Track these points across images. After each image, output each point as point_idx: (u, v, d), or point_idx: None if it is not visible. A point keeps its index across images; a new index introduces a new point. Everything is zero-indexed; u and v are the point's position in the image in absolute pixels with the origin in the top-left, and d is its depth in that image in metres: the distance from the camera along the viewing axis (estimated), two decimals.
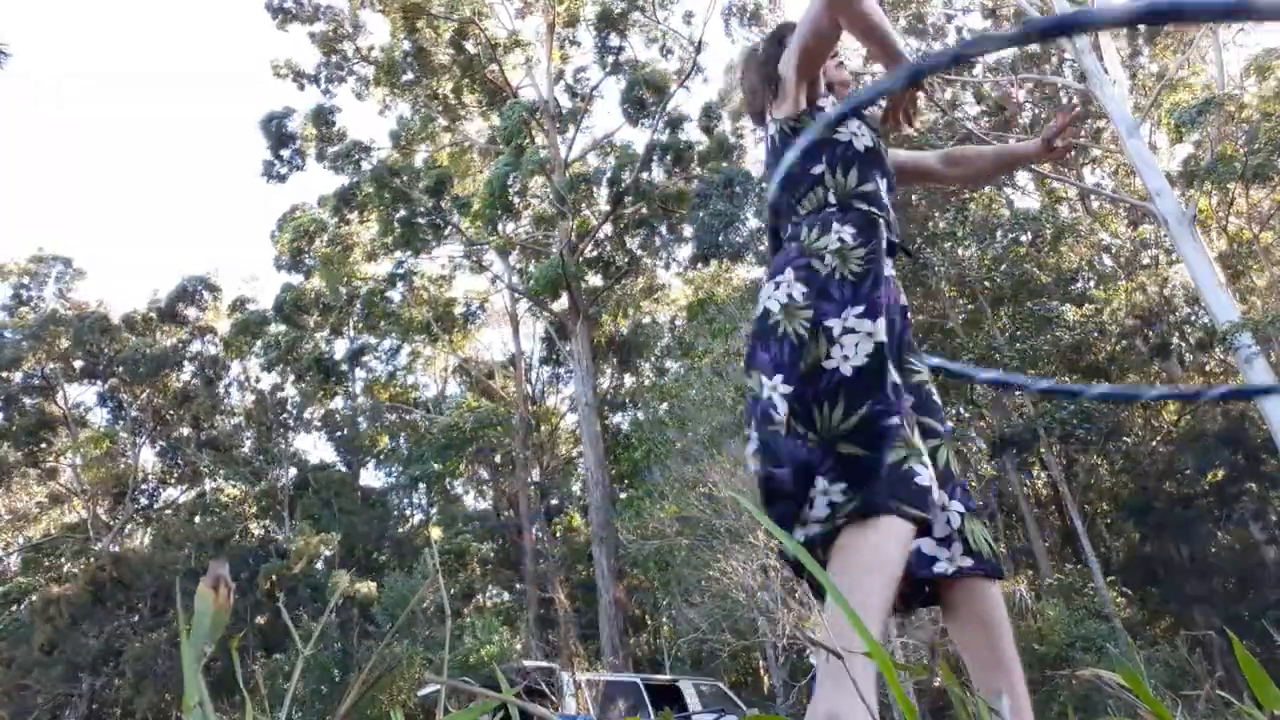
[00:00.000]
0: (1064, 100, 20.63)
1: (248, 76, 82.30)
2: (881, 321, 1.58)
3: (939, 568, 1.58)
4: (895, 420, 1.48)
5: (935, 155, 2.21)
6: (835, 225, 1.72)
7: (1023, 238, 17.91)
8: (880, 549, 1.38)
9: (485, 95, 21.69)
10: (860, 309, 1.60)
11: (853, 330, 1.58)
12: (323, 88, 21.26)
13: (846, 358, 1.55)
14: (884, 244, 1.72)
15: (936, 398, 1.72)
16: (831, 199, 1.77)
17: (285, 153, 21.10)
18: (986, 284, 18.13)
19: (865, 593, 1.33)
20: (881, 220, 1.74)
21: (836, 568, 1.39)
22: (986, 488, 18.00)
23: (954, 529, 1.60)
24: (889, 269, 1.73)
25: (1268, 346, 12.72)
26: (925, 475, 1.45)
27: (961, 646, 1.62)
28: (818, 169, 1.81)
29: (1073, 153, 1.84)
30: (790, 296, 1.65)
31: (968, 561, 1.58)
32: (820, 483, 1.48)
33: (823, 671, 1.31)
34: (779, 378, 1.59)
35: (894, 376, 1.54)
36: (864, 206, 1.75)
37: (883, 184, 1.81)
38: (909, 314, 1.80)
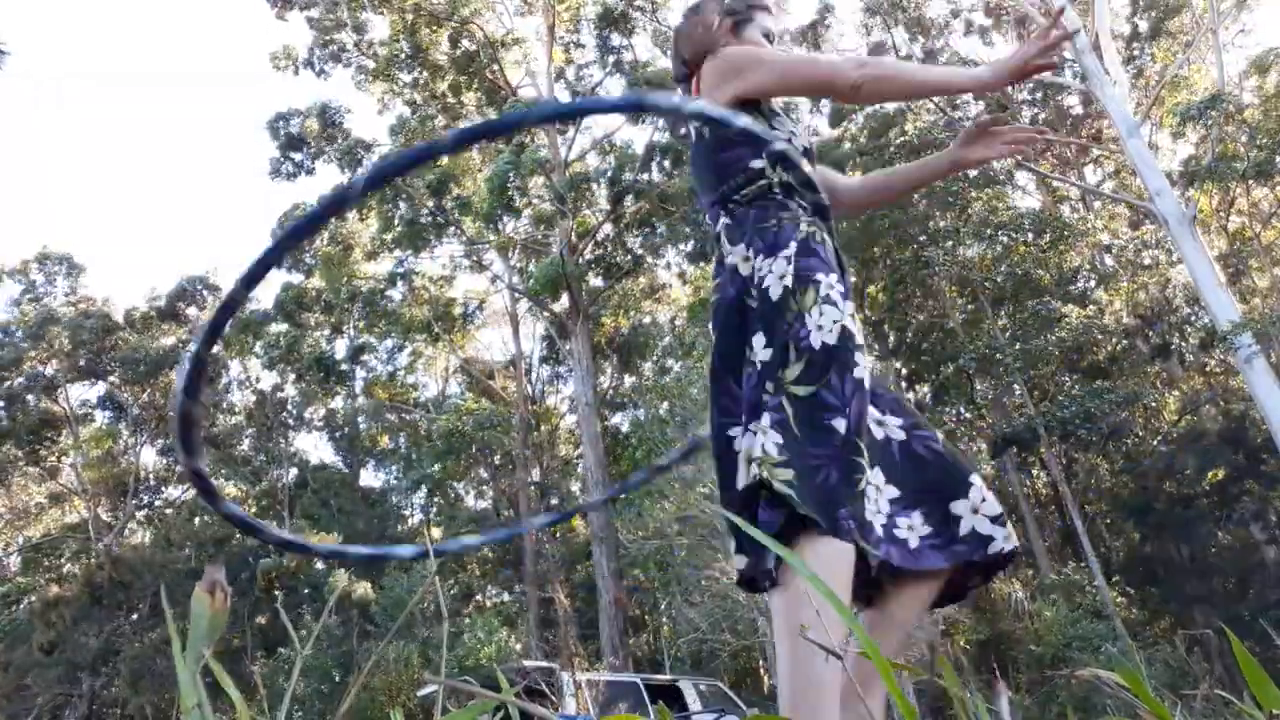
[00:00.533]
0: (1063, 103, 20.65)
1: (248, 75, 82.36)
2: (850, 304, 1.55)
3: (994, 547, 1.53)
4: (840, 424, 1.41)
5: (852, 181, 2.04)
6: (785, 200, 1.69)
7: (1025, 237, 17.91)
8: (823, 568, 1.31)
9: (485, 94, 21.69)
10: (842, 287, 1.57)
11: (834, 302, 1.52)
12: (318, 70, 21.25)
13: (820, 327, 1.49)
14: (825, 229, 1.69)
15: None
16: (771, 171, 1.72)
17: (297, 156, 21.27)
18: (987, 284, 18.14)
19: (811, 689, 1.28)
20: (817, 207, 1.71)
21: (780, 621, 1.36)
22: (989, 487, 17.95)
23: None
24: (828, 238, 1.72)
25: (1268, 347, 12.71)
26: (869, 506, 1.41)
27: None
28: (750, 155, 1.72)
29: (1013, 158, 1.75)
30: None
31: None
32: (765, 419, 1.43)
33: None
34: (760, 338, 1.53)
35: (858, 370, 1.47)
36: (809, 197, 1.73)
37: (811, 171, 1.76)
38: None
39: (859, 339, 1.52)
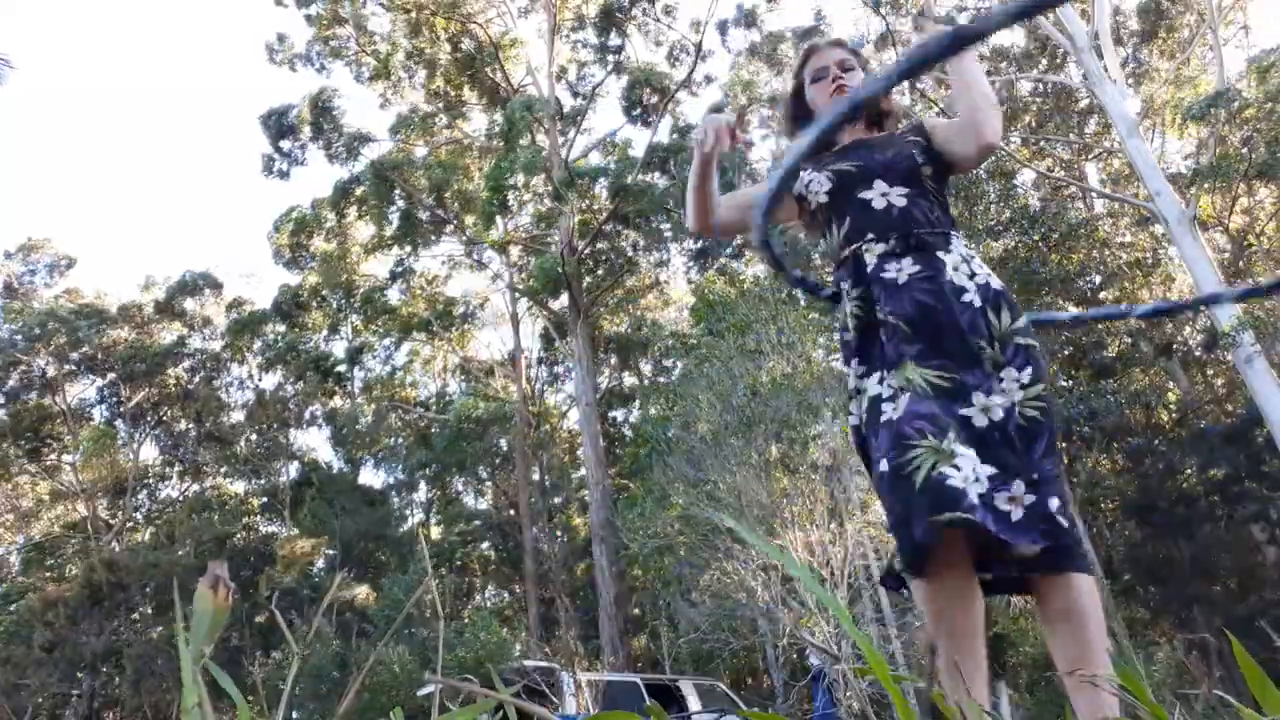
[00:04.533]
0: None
1: (245, 76, 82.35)
2: (877, 374, 1.63)
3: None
4: (883, 466, 1.46)
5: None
6: (841, 286, 1.78)
7: (1031, 237, 17.90)
8: (927, 605, 1.47)
9: (485, 93, 21.69)
10: (864, 368, 1.68)
11: (865, 392, 1.65)
12: (317, 66, 21.16)
13: (852, 412, 1.67)
14: (882, 258, 1.70)
15: (1031, 350, 1.60)
16: (832, 265, 1.85)
17: (286, 145, 20.84)
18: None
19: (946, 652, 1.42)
20: (868, 245, 1.72)
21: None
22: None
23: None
24: (908, 268, 1.67)
25: (1269, 347, 12.71)
26: (956, 475, 1.39)
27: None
28: (820, 246, 1.91)
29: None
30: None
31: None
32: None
33: None
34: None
35: (890, 414, 1.53)
36: (847, 251, 1.76)
37: (868, 197, 1.75)
38: (985, 290, 1.67)
39: (887, 391, 1.58)
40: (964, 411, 1.52)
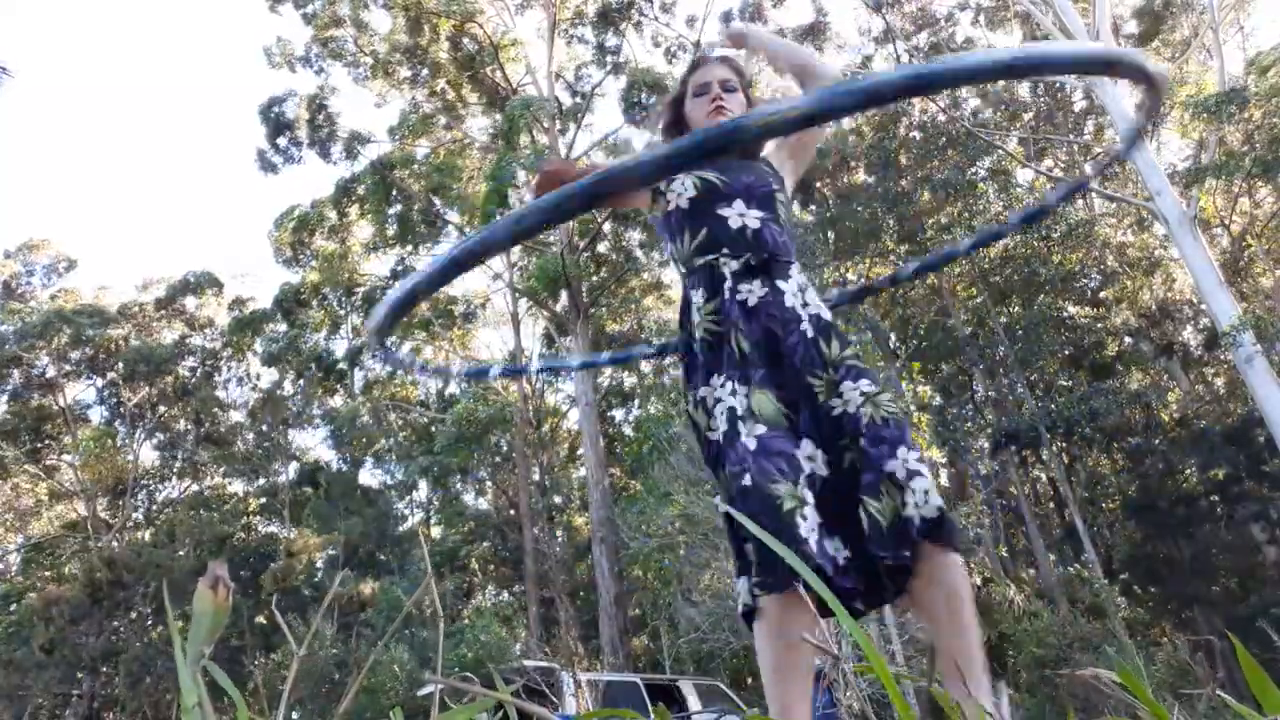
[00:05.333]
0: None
1: (244, 77, 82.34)
2: (730, 385, 1.65)
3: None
4: (747, 481, 1.49)
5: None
6: (690, 294, 1.80)
7: (1033, 238, 17.91)
8: (769, 636, 1.47)
9: (484, 93, 21.68)
10: (720, 378, 1.68)
11: (714, 397, 1.67)
12: (316, 68, 21.14)
13: (713, 429, 1.65)
14: (735, 277, 1.74)
15: (836, 410, 1.64)
16: (681, 269, 1.87)
17: (281, 140, 20.76)
18: (996, 278, 18.14)
19: (777, 688, 1.45)
20: (724, 259, 1.76)
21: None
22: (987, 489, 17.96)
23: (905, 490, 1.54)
24: (758, 291, 1.73)
25: (1270, 347, 12.70)
26: (803, 525, 1.45)
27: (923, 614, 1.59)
28: (668, 248, 1.93)
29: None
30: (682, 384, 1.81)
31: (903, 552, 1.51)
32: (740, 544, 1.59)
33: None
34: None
35: (746, 441, 1.56)
36: (701, 261, 1.79)
37: (725, 214, 1.80)
38: (817, 321, 1.74)
39: (741, 407, 1.61)
40: (797, 454, 1.58)
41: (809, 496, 1.51)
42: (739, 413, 1.60)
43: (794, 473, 1.51)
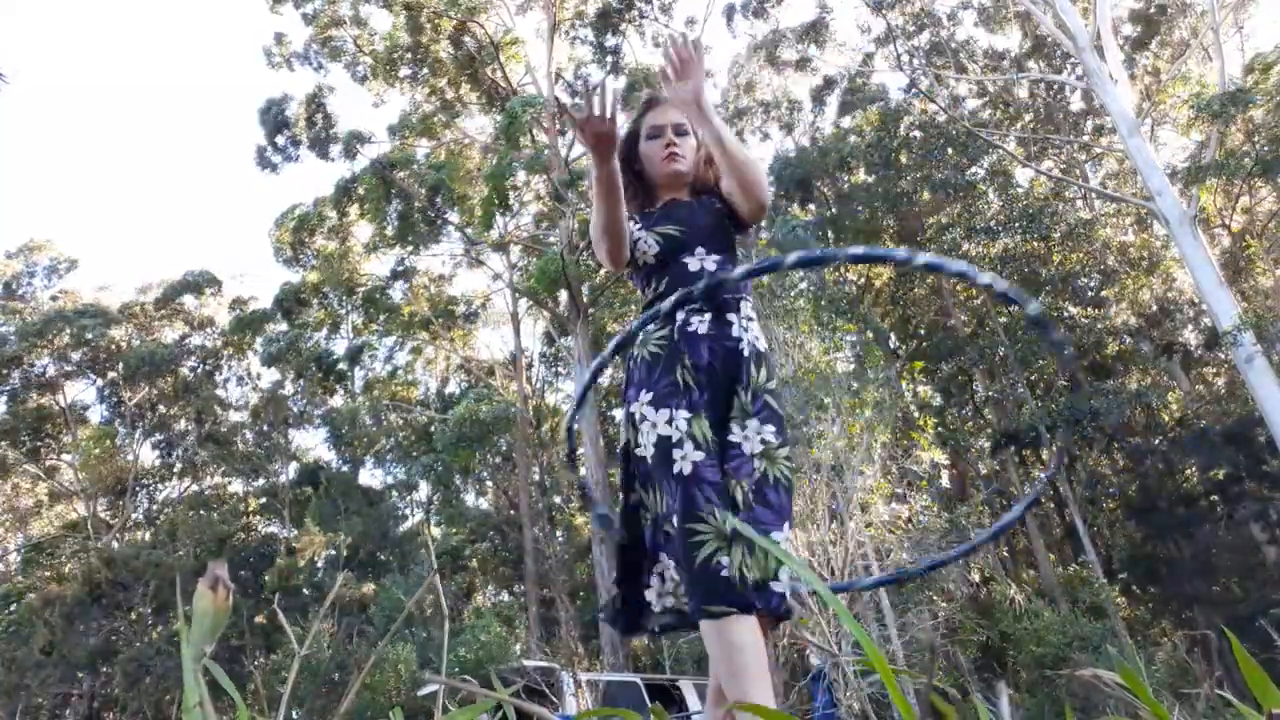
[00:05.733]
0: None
1: (244, 77, 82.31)
2: (664, 413, 1.76)
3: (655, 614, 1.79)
4: (675, 521, 1.65)
5: None
6: (647, 327, 1.95)
7: (1033, 238, 17.90)
8: (724, 644, 1.57)
9: (484, 92, 21.67)
10: (650, 395, 1.82)
11: (646, 419, 1.79)
12: (315, 65, 21.13)
13: (640, 445, 1.79)
14: (689, 311, 1.90)
15: (734, 435, 1.80)
16: (644, 309, 2.01)
17: (281, 140, 20.78)
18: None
19: (738, 689, 1.53)
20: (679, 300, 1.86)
21: (713, 661, 1.61)
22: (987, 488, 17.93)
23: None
24: (707, 322, 1.89)
25: (1270, 347, 12.70)
26: (728, 565, 1.59)
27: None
28: (640, 294, 2.10)
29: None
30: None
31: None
32: (662, 557, 1.75)
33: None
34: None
35: (682, 465, 1.69)
36: (663, 303, 1.94)
37: (687, 261, 1.97)
38: (753, 347, 1.92)
39: (676, 434, 1.74)
40: (721, 481, 1.74)
41: (732, 524, 1.62)
42: (673, 440, 1.73)
43: (723, 504, 1.66)
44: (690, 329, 1.88)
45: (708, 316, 1.90)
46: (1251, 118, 15.57)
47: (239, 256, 69.96)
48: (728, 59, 35.61)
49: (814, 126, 23.64)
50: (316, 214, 22.42)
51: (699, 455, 1.70)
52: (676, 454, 1.70)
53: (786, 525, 1.72)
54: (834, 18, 22.08)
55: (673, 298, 1.71)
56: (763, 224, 2.11)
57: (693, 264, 1.96)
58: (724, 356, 1.86)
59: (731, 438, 1.79)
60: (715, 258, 1.97)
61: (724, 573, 1.58)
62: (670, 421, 1.75)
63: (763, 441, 1.79)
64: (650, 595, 1.78)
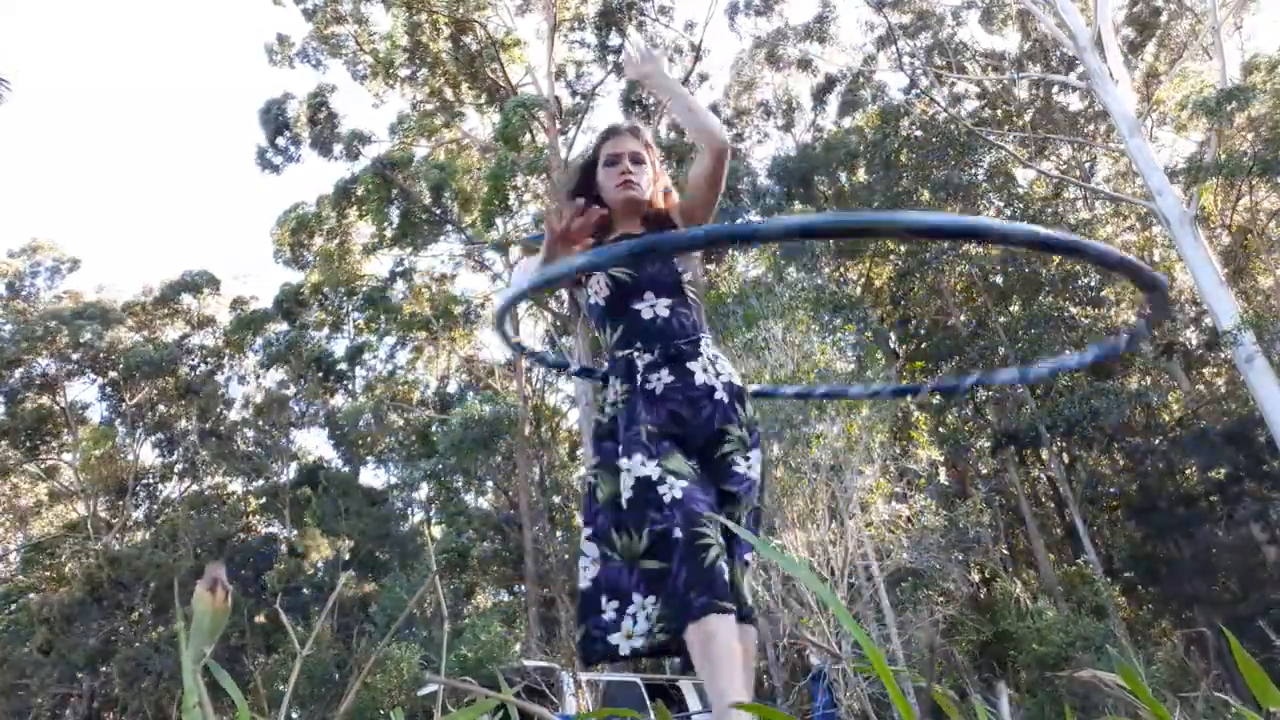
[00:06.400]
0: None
1: (246, 76, 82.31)
2: (639, 457, 1.81)
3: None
4: (677, 533, 1.69)
5: None
6: (612, 379, 2.01)
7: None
8: (717, 643, 1.61)
9: (485, 92, 21.67)
10: (620, 448, 1.86)
11: (622, 469, 1.83)
12: (314, 62, 21.10)
13: (619, 492, 1.83)
14: (648, 368, 1.94)
15: (739, 467, 1.90)
16: (607, 355, 2.07)
17: (281, 140, 20.74)
18: (996, 278, 18.11)
19: (725, 680, 1.57)
20: (638, 354, 1.97)
21: (698, 663, 1.64)
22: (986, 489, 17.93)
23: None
24: (665, 378, 1.93)
25: (1270, 347, 12.70)
26: (727, 572, 1.69)
27: None
28: (600, 337, 2.15)
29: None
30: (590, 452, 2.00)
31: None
32: (636, 599, 1.78)
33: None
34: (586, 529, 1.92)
35: (672, 493, 1.74)
36: (620, 355, 2.00)
37: (639, 308, 1.99)
38: (730, 387, 1.97)
39: (656, 474, 1.79)
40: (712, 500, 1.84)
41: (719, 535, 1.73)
42: (654, 479, 1.77)
43: (715, 509, 1.77)
44: (650, 388, 1.92)
45: (665, 371, 1.93)
46: (1251, 116, 15.56)
47: (241, 256, 70.02)
48: (730, 58, 35.58)
49: (814, 125, 23.65)
50: (316, 214, 22.43)
51: (684, 484, 1.76)
52: (662, 489, 1.76)
53: (751, 552, 1.89)
54: (836, 15, 21.98)
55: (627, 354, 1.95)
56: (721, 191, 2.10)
57: (645, 311, 1.99)
58: (692, 410, 1.91)
59: (736, 469, 1.88)
60: (667, 302, 2.00)
61: (725, 576, 1.67)
62: (644, 464, 1.80)
63: (758, 473, 1.93)
64: (617, 639, 1.79)
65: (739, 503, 1.86)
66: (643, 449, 1.83)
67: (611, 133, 2.23)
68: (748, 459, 1.91)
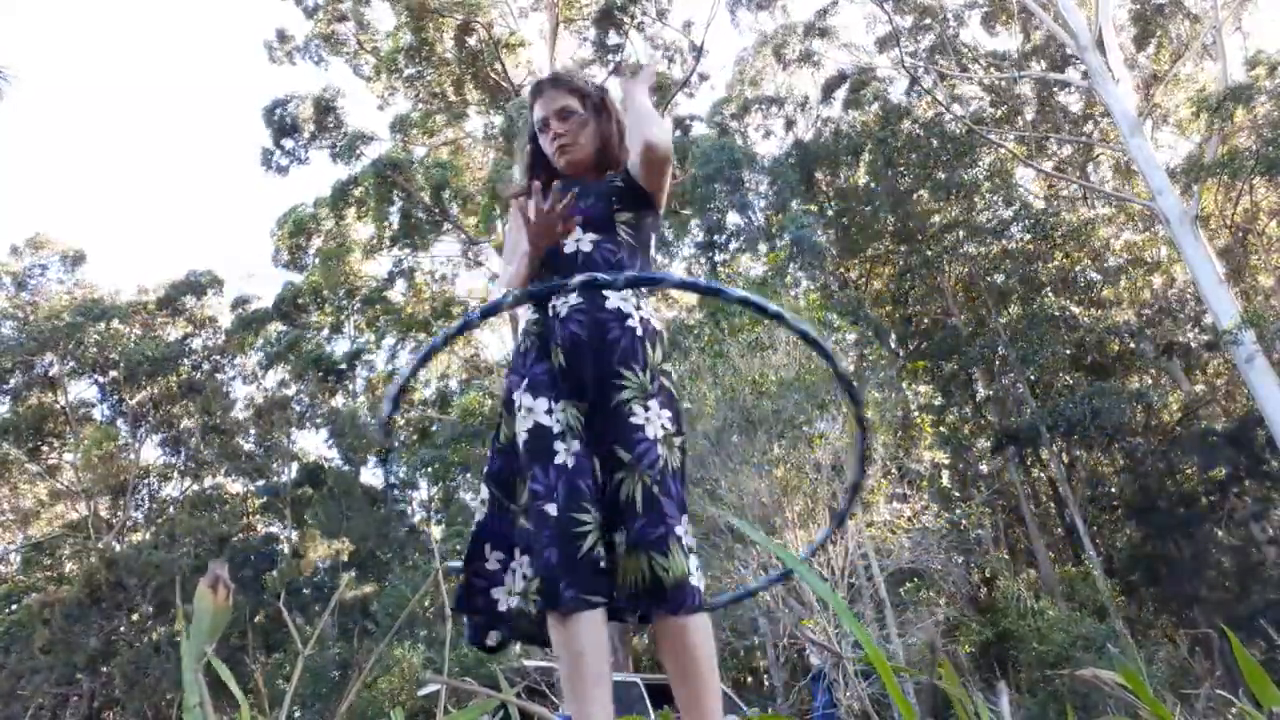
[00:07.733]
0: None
1: (248, 75, 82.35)
2: (542, 401, 1.72)
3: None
4: (551, 509, 1.59)
5: None
6: (523, 313, 1.95)
7: (1030, 235, 17.89)
8: (569, 647, 1.54)
9: (486, 90, 21.68)
10: (525, 382, 1.77)
11: (523, 405, 1.74)
12: (316, 59, 21.13)
13: (518, 433, 1.72)
14: (557, 294, 1.81)
15: (636, 418, 1.72)
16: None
17: (287, 143, 20.81)
18: (996, 278, 18.11)
19: (581, 689, 1.52)
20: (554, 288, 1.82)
21: (560, 662, 1.56)
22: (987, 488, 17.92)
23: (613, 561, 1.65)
24: (571, 301, 1.81)
25: (1270, 347, 12.70)
26: (605, 559, 1.60)
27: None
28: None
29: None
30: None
31: (620, 601, 1.64)
32: (516, 554, 1.69)
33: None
34: (489, 464, 1.82)
35: (564, 457, 1.64)
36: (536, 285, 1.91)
37: (563, 244, 1.89)
38: (645, 324, 1.84)
39: (557, 426, 1.69)
40: (595, 468, 1.69)
41: (598, 517, 1.63)
42: (554, 431, 1.68)
43: (595, 491, 1.64)
44: (555, 310, 1.82)
45: (572, 296, 1.81)
46: (1252, 115, 15.57)
47: (244, 255, 69.90)
48: (731, 56, 35.58)
49: (818, 120, 23.60)
50: (314, 216, 22.44)
51: (578, 446, 1.66)
52: (559, 445, 1.65)
53: (684, 516, 1.67)
54: (838, 12, 22.00)
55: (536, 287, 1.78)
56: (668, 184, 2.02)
57: (568, 246, 1.89)
58: (599, 332, 1.78)
59: (634, 420, 1.70)
60: (592, 237, 1.89)
61: (602, 564, 1.58)
62: (549, 411, 1.70)
63: (663, 427, 1.73)
64: (499, 593, 1.70)
65: (633, 471, 1.66)
66: (546, 391, 1.73)
67: (535, 92, 2.09)
68: (646, 408, 1.72)
